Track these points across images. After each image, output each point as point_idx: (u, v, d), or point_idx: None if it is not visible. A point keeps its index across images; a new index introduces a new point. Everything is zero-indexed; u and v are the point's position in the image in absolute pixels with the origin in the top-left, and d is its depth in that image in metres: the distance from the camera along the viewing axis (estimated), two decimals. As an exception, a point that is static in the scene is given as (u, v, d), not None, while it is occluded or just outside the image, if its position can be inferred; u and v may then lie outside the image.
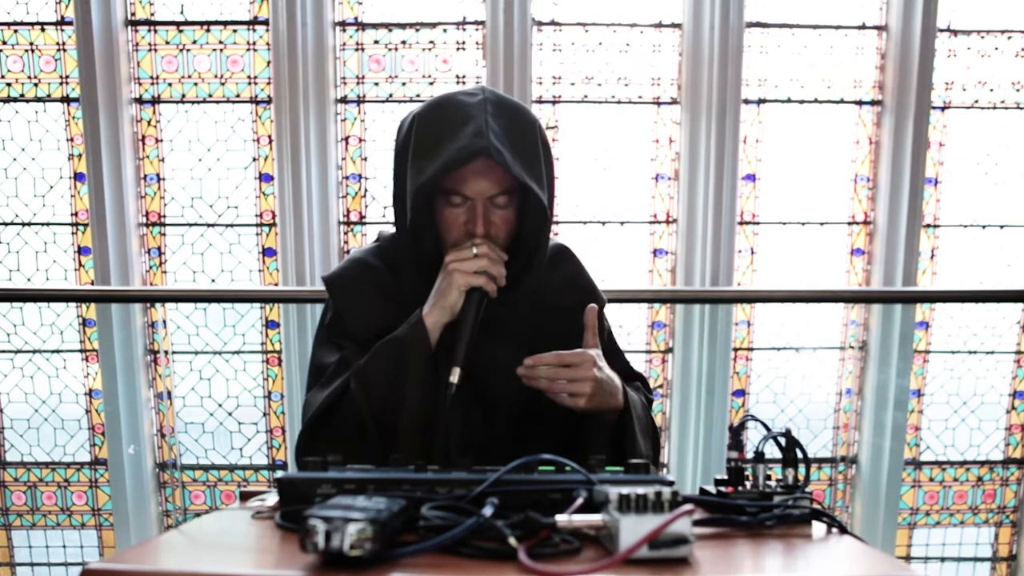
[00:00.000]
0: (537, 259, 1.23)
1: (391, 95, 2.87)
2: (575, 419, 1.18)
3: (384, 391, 1.15)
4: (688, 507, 0.68)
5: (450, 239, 1.20)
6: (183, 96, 2.85)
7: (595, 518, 0.72)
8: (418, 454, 1.14)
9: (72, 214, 2.88)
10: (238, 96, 2.85)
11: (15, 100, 2.82)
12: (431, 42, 2.85)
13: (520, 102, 1.21)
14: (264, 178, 2.89)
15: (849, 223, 2.95)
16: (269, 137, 2.85)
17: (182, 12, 2.81)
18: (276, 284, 2.91)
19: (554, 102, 2.88)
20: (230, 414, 2.97)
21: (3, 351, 2.91)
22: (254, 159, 2.88)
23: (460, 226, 1.18)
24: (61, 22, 2.78)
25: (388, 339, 1.18)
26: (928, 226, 2.93)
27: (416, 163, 1.15)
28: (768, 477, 0.93)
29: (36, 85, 2.81)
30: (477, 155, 1.10)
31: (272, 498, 1.00)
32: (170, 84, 2.84)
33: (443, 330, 1.17)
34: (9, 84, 2.81)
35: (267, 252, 2.93)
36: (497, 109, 1.15)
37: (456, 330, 1.15)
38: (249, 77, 2.85)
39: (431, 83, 2.86)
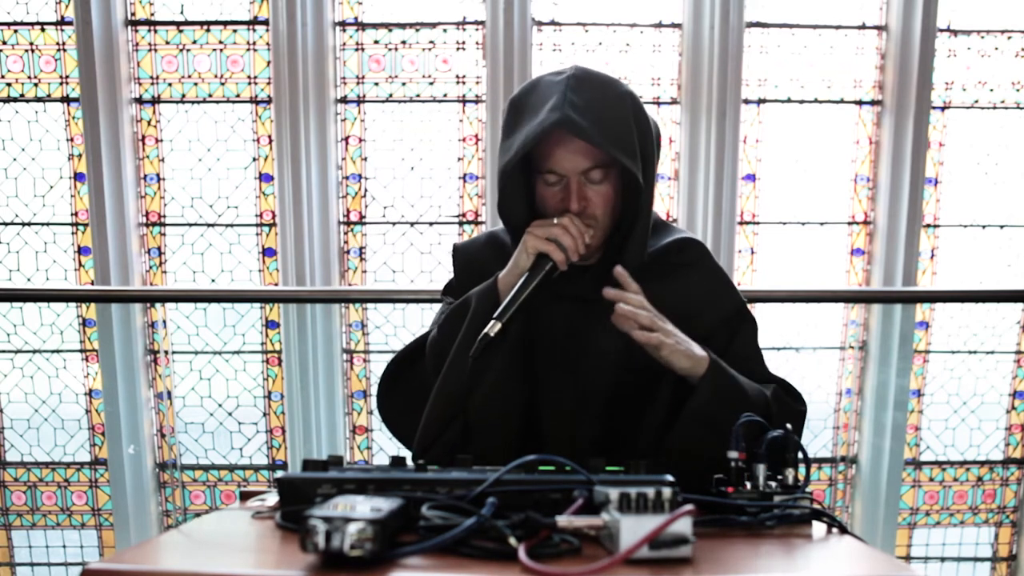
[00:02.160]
0: (639, 227, 1.18)
1: (391, 95, 2.87)
2: (668, 410, 1.16)
3: (448, 342, 1.18)
4: (689, 507, 0.68)
5: (546, 216, 1.19)
6: (183, 96, 2.85)
7: (595, 518, 0.72)
8: (451, 405, 1.16)
9: (72, 214, 2.88)
10: (238, 96, 2.85)
11: (15, 100, 2.82)
12: (431, 42, 2.85)
13: (611, 75, 1.18)
14: (264, 178, 2.89)
15: (849, 223, 2.95)
16: (269, 137, 2.85)
17: (182, 12, 2.81)
18: (276, 284, 2.91)
19: (554, 102, 2.88)
20: (230, 414, 2.97)
21: (3, 351, 2.91)
22: (254, 159, 2.88)
23: (556, 204, 1.18)
24: (61, 22, 2.78)
25: (465, 295, 1.21)
26: (928, 226, 2.92)
27: (504, 144, 1.17)
28: (768, 477, 0.93)
29: (36, 85, 2.81)
30: (552, 128, 1.09)
31: (272, 498, 1.00)
32: (170, 84, 2.84)
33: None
34: (9, 84, 2.81)
35: (267, 252, 2.93)
36: (580, 83, 1.13)
37: (514, 289, 1.14)
38: (249, 77, 2.85)
39: (431, 83, 2.86)
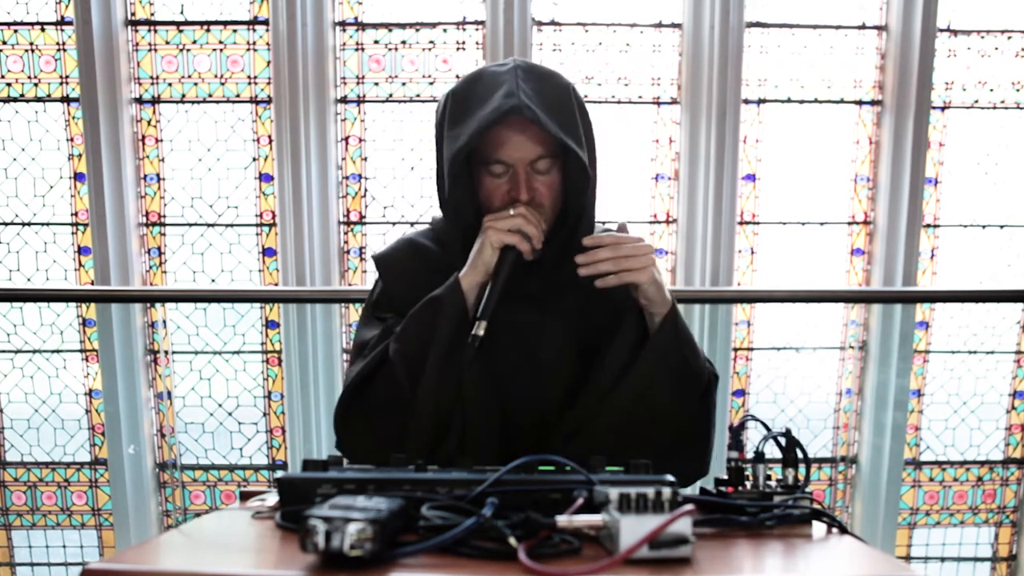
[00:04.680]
0: (584, 221, 1.20)
1: (391, 95, 2.87)
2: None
3: (417, 350, 1.13)
4: (689, 507, 0.68)
5: (492, 210, 1.18)
6: (183, 96, 2.85)
7: (595, 518, 0.72)
8: (438, 414, 1.13)
9: (72, 214, 2.88)
10: (238, 96, 2.85)
11: (15, 100, 2.82)
12: (431, 42, 2.85)
13: (553, 68, 1.20)
14: (264, 178, 2.89)
15: (849, 223, 2.95)
16: (269, 137, 2.85)
17: (182, 12, 2.81)
18: (276, 284, 2.91)
19: (554, 102, 2.88)
20: (230, 414, 2.97)
21: (3, 351, 2.91)
22: (254, 159, 2.88)
23: (503, 195, 1.17)
24: (61, 22, 2.78)
25: (425, 299, 1.16)
26: (928, 226, 2.93)
27: (451, 133, 1.15)
28: (768, 477, 0.93)
29: (36, 85, 2.81)
30: (509, 113, 1.09)
31: (272, 498, 1.00)
32: (170, 84, 2.84)
33: (479, 290, 1.15)
34: (9, 84, 2.81)
35: (267, 252, 2.93)
36: (528, 74, 1.14)
37: (488, 286, 1.13)
38: (249, 77, 2.85)
39: (431, 83, 2.86)
